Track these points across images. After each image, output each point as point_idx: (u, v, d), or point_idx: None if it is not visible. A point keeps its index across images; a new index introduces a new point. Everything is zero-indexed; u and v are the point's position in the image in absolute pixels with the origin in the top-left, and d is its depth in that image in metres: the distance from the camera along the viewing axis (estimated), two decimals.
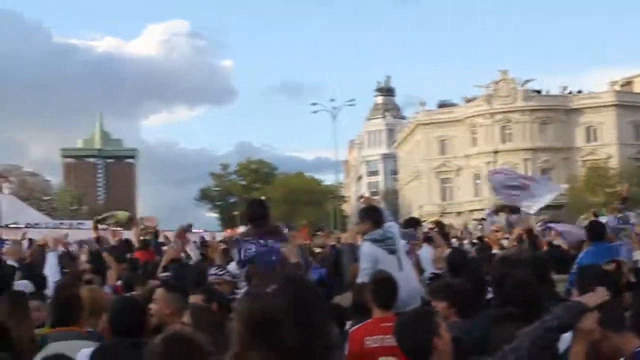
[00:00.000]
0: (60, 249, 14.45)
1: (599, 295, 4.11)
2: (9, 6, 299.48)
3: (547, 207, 15.80)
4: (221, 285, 8.55)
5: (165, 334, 3.90)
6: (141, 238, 16.10)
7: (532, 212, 13.88)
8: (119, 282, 10.29)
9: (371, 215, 9.22)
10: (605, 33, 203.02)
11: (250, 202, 10.25)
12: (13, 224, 40.40)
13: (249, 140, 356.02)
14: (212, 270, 9.14)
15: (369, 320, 6.82)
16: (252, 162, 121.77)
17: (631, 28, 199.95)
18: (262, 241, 8.49)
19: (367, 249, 8.74)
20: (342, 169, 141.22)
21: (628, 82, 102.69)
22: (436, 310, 5.83)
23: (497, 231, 17.13)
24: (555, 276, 8.69)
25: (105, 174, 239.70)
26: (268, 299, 3.68)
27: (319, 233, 20.61)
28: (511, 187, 14.26)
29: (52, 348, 5.81)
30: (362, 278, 8.26)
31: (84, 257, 14.10)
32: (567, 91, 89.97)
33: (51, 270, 11.01)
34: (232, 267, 9.35)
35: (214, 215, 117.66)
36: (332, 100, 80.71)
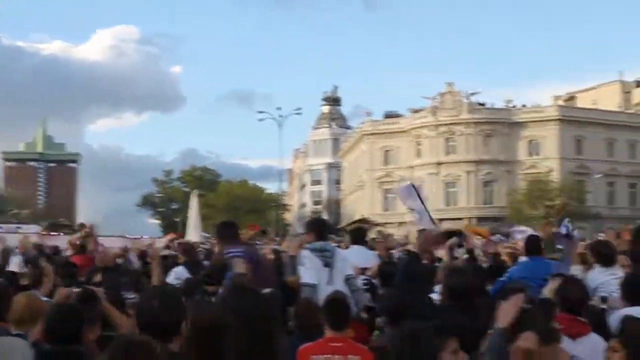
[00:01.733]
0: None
1: (513, 303, 4.70)
2: None
3: (485, 219, 15.62)
4: None
5: (120, 339, 3.94)
6: (78, 242, 15.70)
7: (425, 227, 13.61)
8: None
9: (316, 227, 9.67)
10: (550, 48, 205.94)
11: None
12: None
13: (195, 147, 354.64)
14: None
15: (320, 339, 6.73)
16: (196, 169, 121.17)
17: (574, 44, 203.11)
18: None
19: (306, 254, 9.12)
20: (287, 178, 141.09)
21: (571, 97, 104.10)
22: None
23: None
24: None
25: (47, 178, 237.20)
26: (213, 307, 4.19)
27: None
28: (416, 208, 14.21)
29: None
30: (305, 293, 8.60)
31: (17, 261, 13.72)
32: (511, 105, 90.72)
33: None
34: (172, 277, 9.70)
35: (156, 221, 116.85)
36: (279, 108, 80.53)
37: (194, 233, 28.17)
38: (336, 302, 6.96)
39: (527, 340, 4.62)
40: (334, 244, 10.22)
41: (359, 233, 12.60)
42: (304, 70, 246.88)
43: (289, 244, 11.76)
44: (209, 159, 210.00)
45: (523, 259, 10.94)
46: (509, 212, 74.27)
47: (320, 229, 9.61)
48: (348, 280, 9.03)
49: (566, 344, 5.50)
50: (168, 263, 12.41)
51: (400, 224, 79.93)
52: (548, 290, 6.83)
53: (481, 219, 74.98)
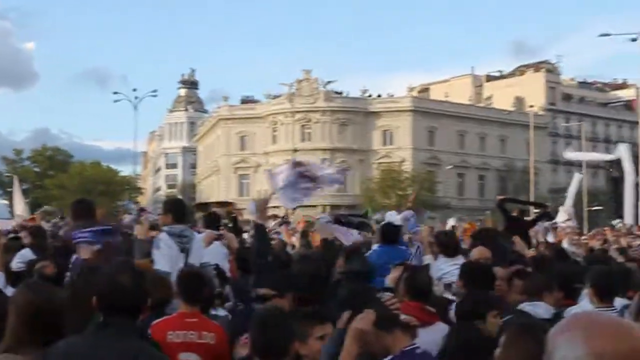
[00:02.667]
0: None
1: None
2: None
3: (339, 207, 15.70)
4: None
5: None
6: None
7: (291, 207, 13.43)
8: None
9: (174, 209, 9.14)
10: (407, 40, 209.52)
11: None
12: None
13: (48, 127, 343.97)
14: None
15: (174, 314, 6.56)
16: (47, 149, 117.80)
17: (430, 37, 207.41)
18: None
19: (163, 237, 8.71)
20: (141, 161, 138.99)
21: (425, 89, 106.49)
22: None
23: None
24: None
25: None
26: (46, 290, 4.04)
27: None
28: (300, 183, 13.79)
29: None
30: (158, 265, 8.30)
31: None
32: (367, 94, 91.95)
33: None
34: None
35: (4, 202, 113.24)
36: (135, 90, 79.07)
37: (19, 215, 27.07)
38: (190, 275, 6.85)
39: (362, 321, 4.49)
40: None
41: (211, 218, 12.36)
42: (162, 52, 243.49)
43: (139, 227, 11.49)
44: (61, 140, 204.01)
45: (375, 246, 11.05)
46: (363, 201, 75.26)
47: (179, 211, 9.15)
48: (202, 267, 8.86)
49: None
50: (15, 245, 11.95)
51: None
52: (390, 279, 6.88)
53: (335, 207, 75.78)
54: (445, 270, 9.04)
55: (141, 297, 4.25)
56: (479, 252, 8.92)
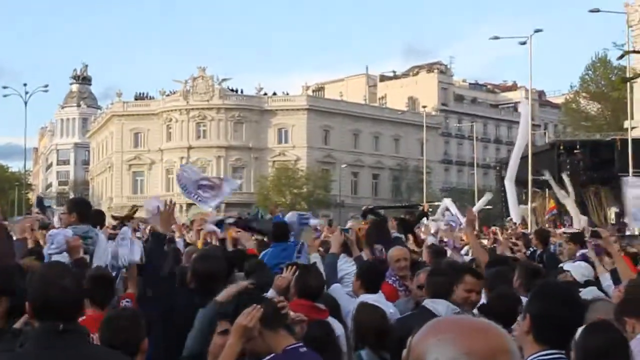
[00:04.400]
0: None
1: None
2: None
3: (234, 205, 15.77)
4: None
5: None
6: None
7: (209, 209, 13.55)
8: None
9: (78, 208, 8.80)
10: (303, 38, 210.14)
11: None
12: None
13: None
14: None
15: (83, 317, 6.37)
16: None
17: (326, 36, 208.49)
18: None
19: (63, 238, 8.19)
20: (32, 157, 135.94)
21: (320, 88, 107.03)
22: None
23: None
24: (237, 273, 8.57)
25: None
26: None
27: None
28: (202, 187, 13.85)
29: None
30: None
31: None
32: (262, 92, 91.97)
33: None
34: None
35: None
36: (25, 85, 77.28)
37: None
38: (100, 278, 6.74)
39: (247, 317, 4.52)
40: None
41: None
42: (56, 47, 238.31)
43: (17, 226, 11.08)
44: None
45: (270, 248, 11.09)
46: (257, 199, 75.31)
47: (84, 210, 8.80)
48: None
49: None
50: None
51: None
52: (279, 280, 6.97)
53: (230, 205, 75.41)
54: (347, 270, 9.17)
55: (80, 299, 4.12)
56: (398, 252, 9.14)
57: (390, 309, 7.05)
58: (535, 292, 4.51)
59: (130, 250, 7.80)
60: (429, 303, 6.50)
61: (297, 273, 6.77)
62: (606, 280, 8.96)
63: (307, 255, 9.45)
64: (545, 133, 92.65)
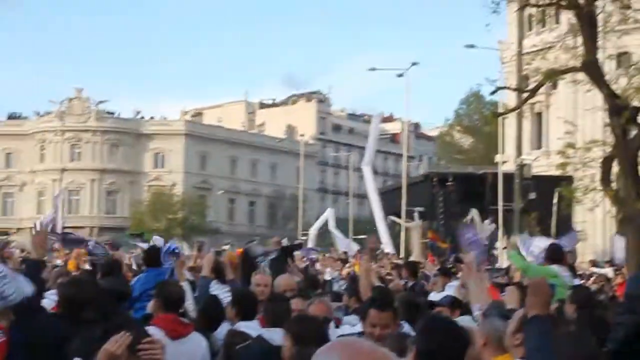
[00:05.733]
0: None
1: None
2: None
3: (107, 229, 15.53)
4: None
5: None
6: None
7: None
8: None
9: None
10: (182, 63, 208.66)
11: None
12: None
13: None
14: None
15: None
16: None
17: (205, 61, 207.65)
18: None
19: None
20: None
21: (199, 113, 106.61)
22: None
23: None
24: None
25: None
26: None
27: None
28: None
29: None
30: None
31: None
32: (139, 116, 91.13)
33: None
34: None
35: None
36: None
37: None
38: None
39: (114, 344, 4.30)
40: None
41: None
42: None
43: None
44: None
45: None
46: (132, 223, 74.33)
47: None
48: None
49: (167, 345, 5.15)
50: None
51: (19, 229, 77.17)
52: (150, 306, 6.94)
53: (103, 229, 74.40)
54: (220, 297, 9.15)
55: None
56: (286, 282, 8.94)
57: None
58: (421, 327, 4.52)
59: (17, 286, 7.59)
60: (265, 333, 6.37)
61: (159, 286, 6.79)
62: (476, 309, 9.19)
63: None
64: (419, 165, 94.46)
